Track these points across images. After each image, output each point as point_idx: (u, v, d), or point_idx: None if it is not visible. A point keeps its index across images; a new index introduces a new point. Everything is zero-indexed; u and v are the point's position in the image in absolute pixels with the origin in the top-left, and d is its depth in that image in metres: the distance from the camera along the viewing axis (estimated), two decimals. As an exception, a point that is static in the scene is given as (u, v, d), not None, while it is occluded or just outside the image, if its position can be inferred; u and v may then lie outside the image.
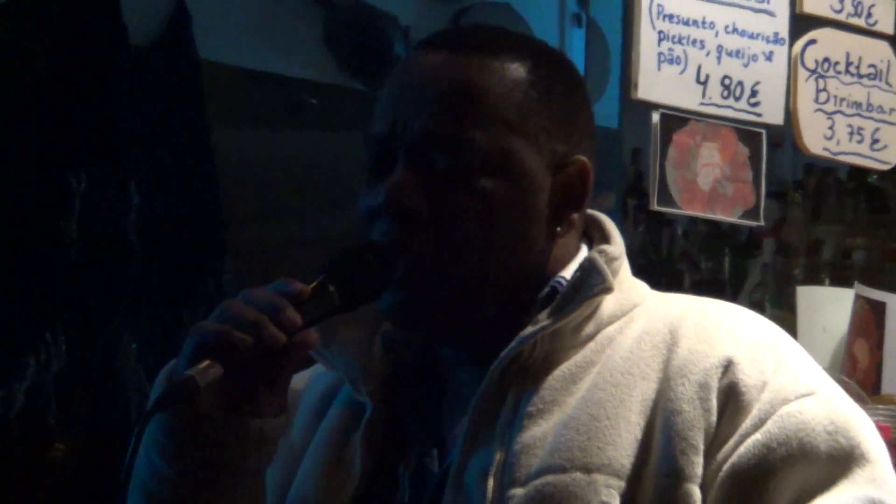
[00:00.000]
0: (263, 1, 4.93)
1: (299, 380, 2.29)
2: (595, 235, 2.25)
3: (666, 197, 3.08)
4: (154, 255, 4.65)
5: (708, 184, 3.22)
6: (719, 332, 2.11)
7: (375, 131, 2.13)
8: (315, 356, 2.22)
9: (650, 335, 2.13)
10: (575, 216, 2.18)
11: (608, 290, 2.12)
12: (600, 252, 2.17)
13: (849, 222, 5.07)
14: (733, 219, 3.16)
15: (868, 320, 3.17)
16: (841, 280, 4.30)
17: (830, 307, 3.21)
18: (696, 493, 1.99)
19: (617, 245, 2.21)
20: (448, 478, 2.08)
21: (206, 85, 4.76)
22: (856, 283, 3.38)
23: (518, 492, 2.01)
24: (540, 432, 2.06)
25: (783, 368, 2.07)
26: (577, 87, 2.25)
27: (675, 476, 2.00)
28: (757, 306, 2.90)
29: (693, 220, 2.98)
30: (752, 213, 3.33)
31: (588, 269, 2.12)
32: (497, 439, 2.06)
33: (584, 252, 2.21)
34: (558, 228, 2.16)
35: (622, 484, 2.01)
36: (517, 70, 2.14)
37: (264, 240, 4.97)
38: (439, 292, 2.11)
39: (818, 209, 5.07)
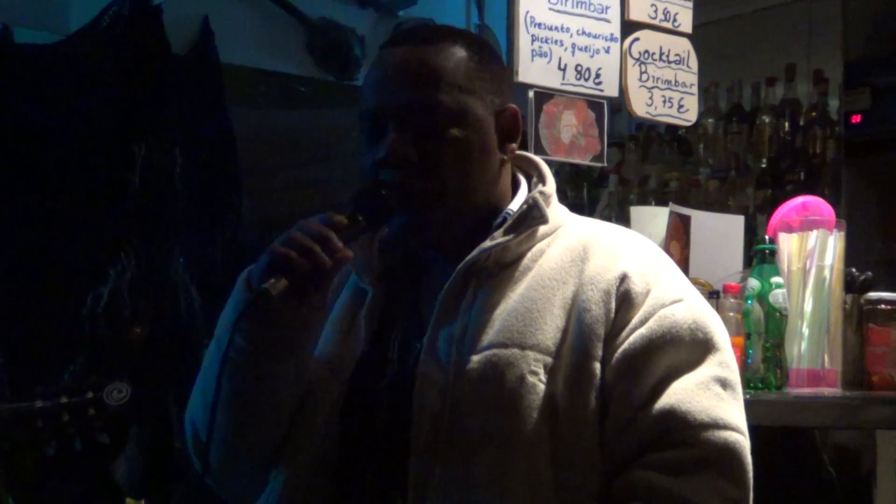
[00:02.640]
0: (262, 20, 4.89)
1: None
2: (533, 174, 2.33)
3: (540, 148, 3.14)
4: (192, 199, 4.62)
5: (568, 138, 3.26)
6: (618, 252, 2.20)
7: (369, 107, 2.22)
8: None
9: (569, 250, 2.21)
10: (514, 146, 2.26)
11: (544, 221, 2.22)
12: (541, 193, 2.24)
13: (666, 162, 5.09)
14: (587, 162, 3.20)
15: (678, 228, 3.20)
16: (661, 201, 4.32)
17: (654, 220, 3.23)
18: (598, 368, 2.09)
19: (550, 185, 2.31)
20: (426, 342, 2.15)
21: (225, 79, 4.71)
22: (670, 203, 3.40)
23: (474, 357, 2.10)
24: (490, 317, 2.14)
25: (661, 281, 2.17)
26: (497, 58, 2.34)
27: (583, 355, 2.10)
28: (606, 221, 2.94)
29: (560, 164, 3.00)
30: (599, 157, 3.39)
31: (531, 205, 2.21)
32: (460, 318, 2.15)
33: (524, 188, 2.29)
34: (504, 157, 2.24)
35: (547, 359, 2.09)
36: (459, 51, 2.22)
37: (266, 185, 4.94)
38: (430, 214, 2.20)
39: (645, 154, 5.10)
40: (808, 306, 2.94)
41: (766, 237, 3.04)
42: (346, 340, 2.28)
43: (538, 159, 2.37)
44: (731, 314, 2.87)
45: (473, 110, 2.19)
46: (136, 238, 4.57)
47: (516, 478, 2.05)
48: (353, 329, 2.29)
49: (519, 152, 2.33)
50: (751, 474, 2.08)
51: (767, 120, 5.24)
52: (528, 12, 3.30)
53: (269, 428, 2.23)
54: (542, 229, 2.23)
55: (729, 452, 2.06)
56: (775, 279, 2.91)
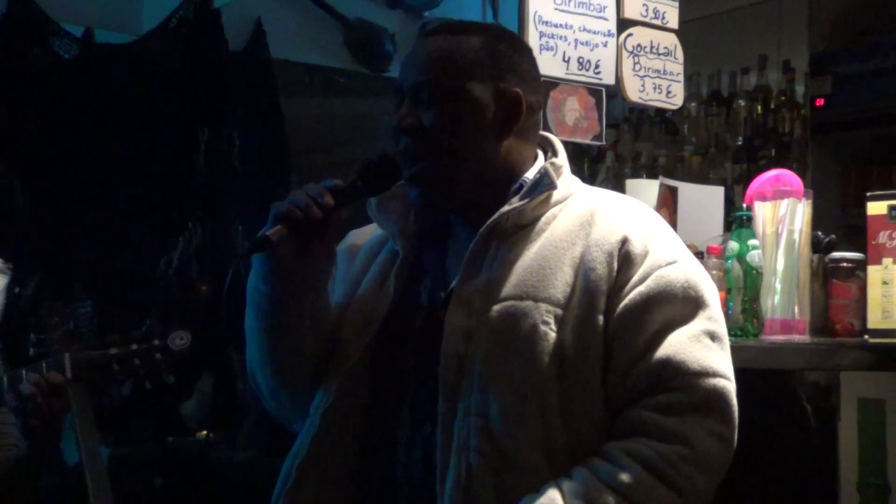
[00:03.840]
0: (307, 21, 4.87)
1: (361, 235, 2.42)
2: (548, 150, 2.30)
3: (547, 129, 3.08)
4: (248, 175, 4.61)
5: (572, 121, 3.23)
6: (620, 217, 2.16)
7: (395, 86, 2.23)
8: (373, 218, 2.32)
9: (578, 216, 2.18)
10: (516, 127, 2.20)
11: (554, 187, 2.18)
12: (552, 164, 2.22)
13: (655, 141, 5.08)
14: (588, 141, 3.16)
15: (667, 198, 3.17)
16: (651, 175, 4.30)
17: (646, 191, 3.20)
18: (601, 319, 2.07)
19: (561, 157, 2.27)
20: (452, 294, 2.13)
21: (275, 72, 4.70)
22: (660, 176, 3.39)
23: (494, 307, 2.08)
24: (508, 272, 2.12)
25: (658, 244, 2.13)
26: (517, 50, 2.28)
27: (589, 308, 2.08)
28: (605, 192, 2.94)
29: (564, 143, 2.95)
30: (598, 137, 3.35)
31: (543, 174, 2.19)
32: (482, 273, 2.13)
33: (541, 160, 2.25)
34: (505, 136, 2.19)
35: (557, 310, 2.07)
36: (471, 41, 2.20)
37: (311, 162, 4.92)
38: (434, 181, 2.19)
39: (637, 133, 5.07)
40: (780, 265, 2.91)
41: (744, 205, 3.04)
42: (380, 294, 2.26)
43: (552, 136, 2.33)
44: (714, 272, 2.84)
45: (471, 91, 2.15)
46: (201, 210, 4.57)
47: (530, 412, 2.04)
48: (385, 285, 2.26)
49: (541, 133, 2.32)
50: (736, 414, 2.06)
51: (743, 104, 5.21)
52: (536, 12, 3.27)
53: (297, 356, 2.25)
54: (554, 197, 2.19)
55: (717, 396, 2.04)
56: (751, 241, 2.90)
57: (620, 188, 3.44)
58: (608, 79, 3.44)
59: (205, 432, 4.41)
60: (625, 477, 1.98)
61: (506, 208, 2.15)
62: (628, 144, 5.09)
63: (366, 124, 5.35)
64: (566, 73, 3.34)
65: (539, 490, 2.01)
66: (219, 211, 4.57)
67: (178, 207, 4.55)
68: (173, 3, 4.60)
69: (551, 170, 2.19)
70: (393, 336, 2.22)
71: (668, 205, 3.21)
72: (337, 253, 2.30)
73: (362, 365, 2.22)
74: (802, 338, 2.87)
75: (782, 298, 2.89)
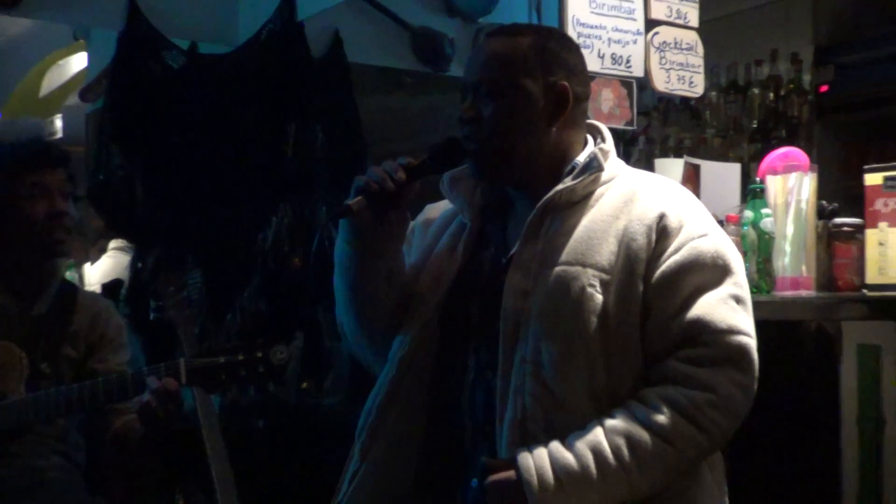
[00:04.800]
0: (378, 29, 4.87)
1: (435, 209, 2.44)
2: (598, 136, 2.29)
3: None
4: (330, 163, 4.62)
5: (607, 109, 3.23)
6: (659, 196, 2.16)
7: (462, 83, 2.25)
8: (445, 195, 2.35)
9: (623, 194, 2.18)
10: (564, 116, 2.20)
11: (601, 169, 2.18)
12: (600, 149, 2.22)
13: (681, 125, 5.02)
14: (621, 126, 3.16)
15: (691, 174, 3.16)
16: (678, 154, 4.27)
17: (672, 169, 3.20)
18: (640, 284, 2.07)
19: (608, 143, 2.28)
20: (512, 260, 2.16)
21: (352, 74, 4.71)
22: (685, 156, 3.38)
23: (549, 271, 2.10)
24: (561, 241, 2.13)
25: (690, 219, 2.13)
26: (565, 47, 2.28)
27: (630, 274, 2.08)
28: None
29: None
30: (630, 123, 3.36)
31: (593, 157, 2.19)
32: (539, 242, 2.14)
33: (591, 145, 2.24)
34: (554, 124, 2.19)
35: (603, 275, 2.08)
36: (523, 42, 2.20)
37: (383, 151, 4.92)
38: (493, 162, 2.21)
39: (665, 119, 5.01)
40: (790, 230, 2.90)
41: (757, 179, 3.03)
42: (450, 259, 2.30)
43: (601, 124, 2.33)
44: (732, 238, 2.83)
45: (523, 86, 2.18)
46: (290, 193, 4.59)
47: (577, 361, 2.06)
48: (454, 251, 2.30)
49: (589, 121, 2.33)
50: (757, 367, 2.07)
51: (757, 91, 5.16)
52: (574, 15, 3.28)
53: (374, 308, 2.30)
54: (602, 177, 2.20)
55: (741, 351, 2.05)
56: (764, 210, 2.90)
57: (650, 167, 3.44)
58: (638, 72, 3.44)
59: (300, 382, 4.44)
60: (659, 418, 2.00)
61: (560, 186, 2.16)
62: (657, 129, 5.05)
63: (429, 117, 5.34)
64: (601, 68, 3.34)
65: (584, 428, 2.03)
66: (305, 194, 4.58)
67: (271, 191, 4.56)
68: (263, 18, 4.60)
69: (600, 154, 2.20)
70: (460, 295, 2.26)
71: (691, 180, 3.20)
72: (413, 223, 2.37)
73: (433, 319, 2.26)
74: (809, 293, 2.86)
75: (791, 259, 2.88)
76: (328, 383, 4.42)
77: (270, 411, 4.04)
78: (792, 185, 2.93)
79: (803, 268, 2.88)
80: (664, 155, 4.87)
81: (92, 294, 3.51)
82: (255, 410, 4.02)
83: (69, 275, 5.67)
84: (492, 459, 2.08)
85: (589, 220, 2.15)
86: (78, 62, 7.23)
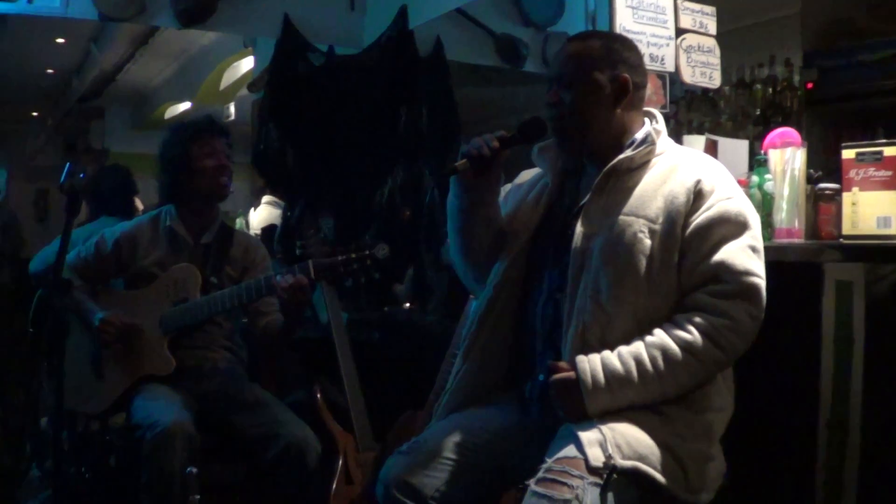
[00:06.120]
0: (470, 36, 4.85)
1: (528, 173, 2.38)
2: (653, 119, 2.23)
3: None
4: (432, 136, 4.62)
5: (646, 97, 3.11)
6: (697, 166, 2.11)
7: (547, 76, 2.19)
8: (534, 161, 2.30)
9: (670, 164, 2.12)
10: (625, 101, 2.15)
11: (654, 144, 2.13)
12: (654, 129, 2.17)
13: (701, 112, 4.93)
14: (657, 110, 3.04)
15: (710, 147, 3.09)
16: (701, 131, 4.18)
17: (697, 143, 3.11)
18: (679, 233, 2.00)
19: (661, 125, 2.22)
20: (581, 210, 2.12)
21: (449, 69, 4.70)
22: (706, 133, 3.29)
23: (609, 219, 2.06)
24: (619, 198, 2.08)
25: (720, 185, 2.07)
26: (626, 47, 2.22)
27: (672, 224, 2.03)
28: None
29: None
30: (664, 107, 3.31)
31: (647, 134, 2.14)
32: (603, 198, 2.09)
33: (647, 126, 2.18)
34: (618, 107, 2.14)
35: (652, 224, 2.03)
36: (594, 44, 2.17)
37: (473, 130, 4.86)
38: (570, 136, 2.17)
39: (690, 106, 4.92)
40: (786, 192, 2.81)
41: (762, 152, 2.93)
42: (534, 209, 2.27)
43: (657, 111, 2.27)
44: (741, 196, 2.78)
45: (595, 78, 2.13)
46: (402, 159, 4.57)
47: (627, 290, 2.03)
48: (538, 205, 2.28)
49: (646, 108, 2.27)
50: (765, 302, 2.03)
51: (759, 87, 5.03)
52: (621, 24, 3.19)
53: (477, 246, 2.28)
54: (655, 150, 2.15)
55: (754, 289, 2.00)
56: (767, 176, 2.82)
57: (679, 142, 3.37)
58: (670, 67, 3.35)
59: (407, 304, 4.44)
60: (689, 337, 1.97)
61: (622, 156, 2.12)
62: (683, 114, 4.96)
63: (509, 104, 5.33)
64: (640, 65, 3.28)
65: (629, 342, 2.01)
66: (413, 160, 4.58)
67: (387, 158, 4.58)
68: (383, 27, 4.61)
69: (654, 133, 2.16)
70: (541, 235, 2.23)
71: (711, 152, 3.11)
72: (510, 184, 2.37)
73: (520, 255, 2.24)
74: (800, 241, 2.80)
75: (787, 214, 2.80)
76: (430, 305, 4.41)
77: (385, 325, 4.03)
78: (788, 157, 2.84)
79: (796, 221, 2.80)
80: (690, 133, 4.81)
81: (244, 232, 3.63)
82: (373, 325, 4.02)
83: (239, 221, 5.75)
84: (556, 361, 2.06)
85: (643, 183, 2.10)
86: (247, 63, 7.30)
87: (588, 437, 1.92)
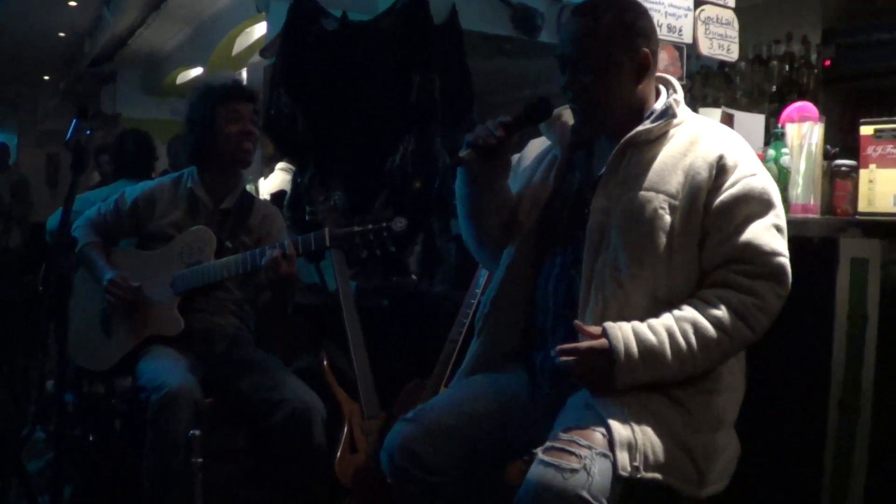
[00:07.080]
0: (486, 5, 4.80)
1: (538, 144, 2.33)
2: (670, 88, 2.16)
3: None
4: (445, 105, 4.59)
5: (662, 67, 3.15)
6: (719, 139, 2.05)
7: (558, 54, 2.10)
8: (543, 133, 2.25)
9: (690, 136, 2.06)
10: (646, 76, 2.09)
11: (674, 116, 2.07)
12: (674, 99, 2.11)
13: (717, 86, 4.88)
14: (674, 79, 2.99)
15: (727, 121, 3.06)
16: (716, 105, 4.14)
17: (713, 115, 3.07)
18: (701, 210, 1.96)
19: (679, 94, 2.15)
20: (598, 184, 2.08)
21: (464, 37, 4.66)
22: (722, 106, 3.28)
23: (628, 194, 2.00)
24: (638, 171, 2.03)
25: (743, 160, 2.02)
26: (639, 15, 2.11)
27: (693, 200, 1.98)
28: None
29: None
30: (680, 79, 3.22)
31: (668, 106, 2.08)
32: (621, 171, 2.04)
33: (664, 96, 2.13)
34: (639, 83, 2.08)
35: (672, 200, 1.98)
36: (607, 16, 2.06)
37: (486, 100, 4.86)
38: (590, 115, 2.11)
39: (705, 79, 4.87)
40: (802, 167, 2.76)
41: (779, 125, 2.88)
42: (543, 186, 2.23)
43: (672, 79, 2.20)
44: (756, 171, 2.75)
45: (613, 55, 2.04)
46: (414, 127, 4.54)
47: (646, 267, 1.99)
48: (547, 181, 2.23)
49: (660, 74, 2.19)
50: (790, 281, 2.00)
51: (776, 63, 4.96)
52: (641, -6, 3.16)
53: (487, 227, 2.24)
54: (674, 121, 2.08)
55: (780, 268, 1.98)
56: (784, 150, 2.78)
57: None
58: (687, 39, 3.30)
59: (413, 276, 4.43)
60: (718, 314, 1.94)
61: (640, 127, 2.06)
62: (700, 86, 4.92)
63: (522, 74, 5.29)
64: (660, 35, 3.19)
65: (657, 316, 1.97)
66: (425, 129, 4.55)
67: (399, 126, 4.54)
68: (398, -7, 4.59)
69: (672, 103, 2.09)
70: (552, 212, 2.19)
71: (727, 124, 3.07)
72: (518, 154, 2.33)
73: (532, 232, 2.20)
74: (815, 216, 2.76)
75: (803, 189, 2.75)
76: (439, 275, 4.39)
77: (393, 294, 4.02)
78: (805, 132, 2.78)
79: (812, 197, 2.75)
80: (707, 106, 4.78)
81: (265, 201, 3.57)
82: (381, 293, 4.01)
83: (249, 187, 5.73)
84: (583, 324, 2.00)
85: (662, 156, 2.03)
86: (259, 29, 7.27)
87: (619, 431, 1.86)
